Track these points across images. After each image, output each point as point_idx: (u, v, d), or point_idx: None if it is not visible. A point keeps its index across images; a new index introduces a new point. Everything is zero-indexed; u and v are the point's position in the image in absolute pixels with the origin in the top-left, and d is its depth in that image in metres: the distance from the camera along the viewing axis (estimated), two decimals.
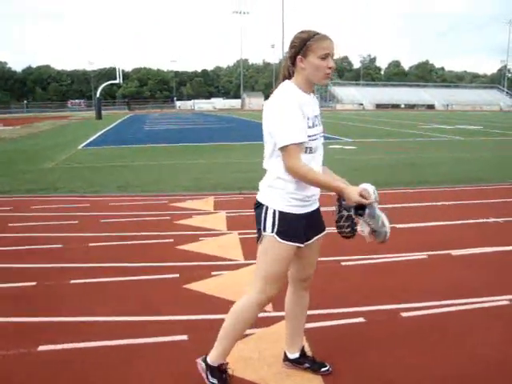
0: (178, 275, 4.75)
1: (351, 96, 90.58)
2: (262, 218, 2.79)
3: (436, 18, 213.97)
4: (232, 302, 4.09)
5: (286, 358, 3.20)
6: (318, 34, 2.72)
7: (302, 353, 3.18)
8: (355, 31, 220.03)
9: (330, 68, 2.70)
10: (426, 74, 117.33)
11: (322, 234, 3.06)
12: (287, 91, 2.72)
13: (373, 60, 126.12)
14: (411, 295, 4.36)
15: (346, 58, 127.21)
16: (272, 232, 2.77)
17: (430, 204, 8.08)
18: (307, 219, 2.87)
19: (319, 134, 2.85)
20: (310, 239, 2.95)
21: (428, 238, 6.19)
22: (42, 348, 3.53)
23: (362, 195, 2.73)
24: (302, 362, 3.15)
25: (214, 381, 2.94)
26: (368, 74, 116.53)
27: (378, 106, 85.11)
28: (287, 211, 2.78)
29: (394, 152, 15.93)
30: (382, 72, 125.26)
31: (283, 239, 2.78)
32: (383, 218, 2.82)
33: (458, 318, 3.95)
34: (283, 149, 2.65)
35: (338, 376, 3.13)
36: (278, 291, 2.89)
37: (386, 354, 3.39)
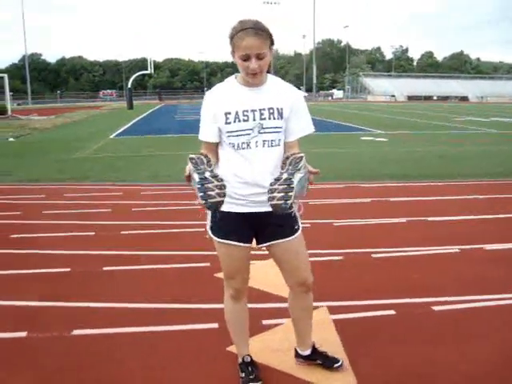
0: (209, 264, 4.79)
1: (383, 87, 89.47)
2: None
3: (472, 7, 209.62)
4: (262, 292, 4.13)
5: (297, 355, 3.17)
6: (243, 29, 2.50)
7: (313, 349, 3.13)
8: (387, 21, 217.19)
9: (251, 70, 2.53)
10: (460, 65, 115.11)
11: (286, 239, 2.78)
12: (215, 86, 2.76)
13: (405, 51, 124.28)
14: (443, 289, 4.30)
15: (378, 49, 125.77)
16: (208, 228, 2.83)
17: (461, 197, 7.95)
18: (251, 220, 2.73)
19: (252, 129, 2.62)
20: (262, 242, 2.82)
21: (460, 231, 6.09)
22: (75, 332, 3.60)
23: None
24: (314, 358, 3.12)
25: (242, 375, 2.96)
26: (400, 66, 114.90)
27: (410, 97, 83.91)
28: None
29: (426, 144, 15.71)
30: (415, 63, 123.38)
31: (214, 235, 2.81)
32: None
33: (492, 313, 3.88)
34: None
35: (366, 368, 3.11)
36: (239, 286, 2.89)
37: (415, 348, 3.36)
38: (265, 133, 2.65)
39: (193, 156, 2.63)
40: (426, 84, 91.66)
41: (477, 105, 60.81)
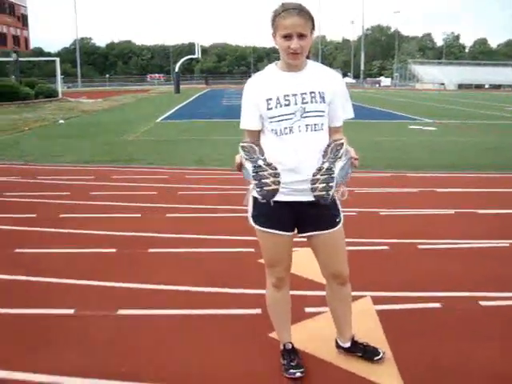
0: (253, 249, 4.79)
1: (432, 75, 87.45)
2: None
3: None
4: (305, 279, 4.11)
5: (338, 345, 3.14)
6: (285, 10, 2.50)
7: (353, 342, 3.08)
8: (439, 7, 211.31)
9: (292, 49, 2.50)
10: None
11: (328, 231, 2.74)
12: (255, 74, 2.76)
13: (456, 38, 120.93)
14: (492, 284, 4.18)
15: (428, 36, 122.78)
16: (249, 216, 2.81)
17: None
18: (292, 209, 2.71)
19: (295, 114, 2.60)
20: (303, 232, 2.78)
21: (511, 225, 5.91)
22: (120, 312, 3.67)
23: None
24: (353, 350, 3.07)
25: (284, 362, 2.95)
26: (451, 53, 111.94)
27: (460, 86, 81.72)
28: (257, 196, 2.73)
29: (476, 134, 15.28)
30: (467, 50, 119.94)
31: (256, 224, 2.79)
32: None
33: None
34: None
35: (408, 360, 3.06)
36: (282, 274, 2.87)
37: (460, 343, 3.28)
38: (308, 117, 2.61)
39: (244, 144, 2.65)
40: (477, 72, 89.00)
41: None
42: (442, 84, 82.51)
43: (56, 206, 6.68)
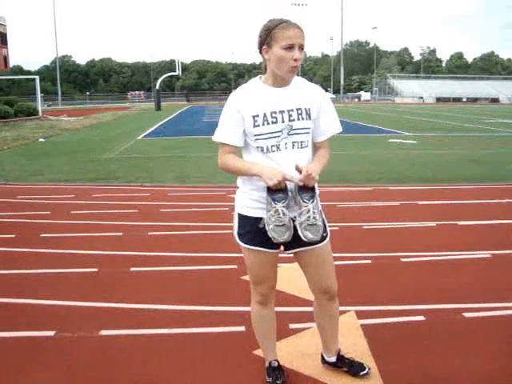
0: (235, 266, 4.77)
1: (411, 89, 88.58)
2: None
3: (503, 7, 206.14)
4: (289, 295, 4.09)
5: (323, 360, 3.12)
6: (284, 22, 2.48)
7: (340, 356, 3.06)
8: (416, 22, 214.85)
9: (295, 60, 2.47)
10: (490, 66, 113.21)
11: (314, 246, 2.69)
12: (238, 88, 2.69)
13: (433, 52, 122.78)
14: (474, 295, 4.20)
15: (406, 50, 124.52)
16: (235, 234, 2.77)
17: (493, 201, 7.79)
18: None
19: (282, 131, 2.56)
20: (290, 248, 2.73)
21: (491, 236, 5.96)
22: (103, 332, 3.61)
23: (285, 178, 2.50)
24: (339, 365, 3.06)
25: (269, 379, 2.92)
26: (429, 67, 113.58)
27: (439, 99, 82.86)
28: (244, 213, 2.70)
29: (456, 147, 15.46)
30: (444, 64, 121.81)
31: (241, 241, 2.75)
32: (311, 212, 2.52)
33: None
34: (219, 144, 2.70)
35: (394, 374, 3.05)
36: (265, 293, 2.84)
37: (445, 355, 3.28)
38: (294, 134, 2.58)
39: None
40: (454, 85, 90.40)
41: (508, 107, 59.71)
42: (421, 98, 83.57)
43: (36, 226, 6.59)
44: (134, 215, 7.09)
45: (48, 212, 7.32)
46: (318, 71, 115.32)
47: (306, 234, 2.53)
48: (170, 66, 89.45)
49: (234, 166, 2.63)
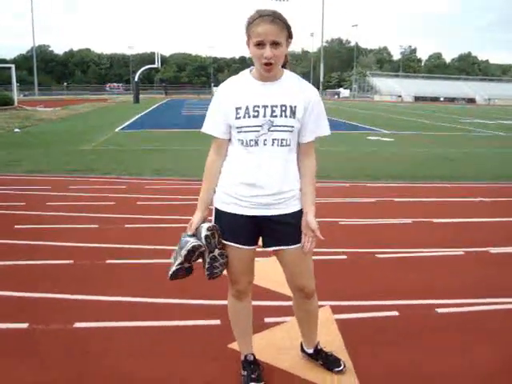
0: None
1: (390, 87, 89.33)
2: None
3: (482, 9, 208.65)
4: (264, 289, 4.11)
5: (302, 350, 3.17)
6: (260, 16, 2.42)
7: (316, 349, 3.10)
8: (396, 21, 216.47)
9: (265, 58, 2.41)
10: (468, 67, 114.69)
11: (291, 247, 2.70)
12: (227, 80, 2.69)
13: (413, 51, 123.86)
14: (447, 291, 4.27)
15: (385, 49, 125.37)
16: None
17: (466, 200, 7.91)
18: (254, 223, 2.67)
19: (262, 126, 2.51)
20: (267, 246, 2.74)
21: (465, 233, 6.05)
22: (77, 325, 3.59)
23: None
24: (316, 358, 3.10)
25: (244, 373, 2.93)
26: (408, 66, 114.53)
27: (417, 98, 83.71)
28: (220, 208, 2.72)
29: (432, 145, 15.65)
30: (423, 64, 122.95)
31: None
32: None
33: (495, 316, 3.85)
34: None
35: (368, 369, 3.09)
36: (243, 287, 2.85)
37: (418, 350, 3.33)
38: (275, 131, 2.53)
39: (208, 234, 2.63)
40: (433, 85, 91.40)
41: (484, 107, 60.59)
42: (400, 96, 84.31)
43: (11, 217, 6.50)
44: (111, 207, 7.04)
45: (23, 203, 7.22)
46: (297, 67, 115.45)
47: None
48: (149, 58, 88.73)
49: (204, 176, 2.79)
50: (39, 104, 38.25)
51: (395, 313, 3.84)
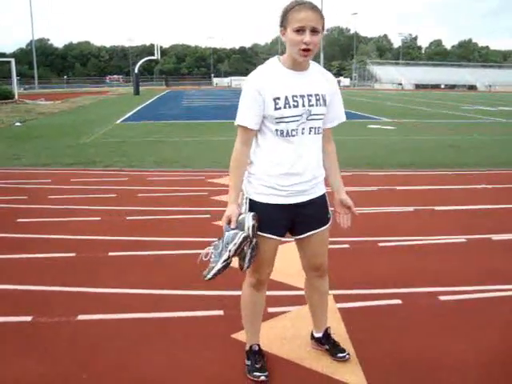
0: None
1: (390, 75, 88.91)
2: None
3: None
4: (269, 279, 4.10)
5: (312, 337, 3.19)
6: (300, 4, 2.46)
7: (326, 334, 3.13)
8: (396, 9, 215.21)
9: (305, 43, 2.44)
10: (468, 54, 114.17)
11: (321, 228, 2.83)
12: (257, 69, 2.65)
13: (414, 39, 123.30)
14: (450, 279, 4.27)
15: (385, 37, 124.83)
16: None
17: (470, 187, 7.89)
18: (290, 212, 2.71)
19: (301, 116, 2.57)
20: (300, 234, 2.80)
21: (467, 221, 6.05)
22: (80, 317, 3.60)
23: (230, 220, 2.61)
24: (323, 342, 3.12)
25: (248, 362, 2.94)
26: (408, 54, 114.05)
27: (418, 86, 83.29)
28: (256, 199, 2.69)
29: (434, 133, 15.61)
30: (423, 51, 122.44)
31: None
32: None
33: (498, 303, 3.85)
34: (238, 128, 2.66)
35: (371, 357, 3.09)
36: (264, 277, 2.86)
37: (422, 338, 3.34)
38: (312, 120, 2.61)
39: (254, 216, 2.61)
40: (433, 72, 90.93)
41: (485, 94, 60.33)
42: (400, 84, 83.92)
43: (13, 211, 6.51)
44: (113, 200, 7.04)
45: (25, 197, 7.23)
46: None
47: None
48: (148, 50, 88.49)
49: (231, 169, 2.68)
50: (40, 97, 38.18)
51: (398, 301, 3.84)
